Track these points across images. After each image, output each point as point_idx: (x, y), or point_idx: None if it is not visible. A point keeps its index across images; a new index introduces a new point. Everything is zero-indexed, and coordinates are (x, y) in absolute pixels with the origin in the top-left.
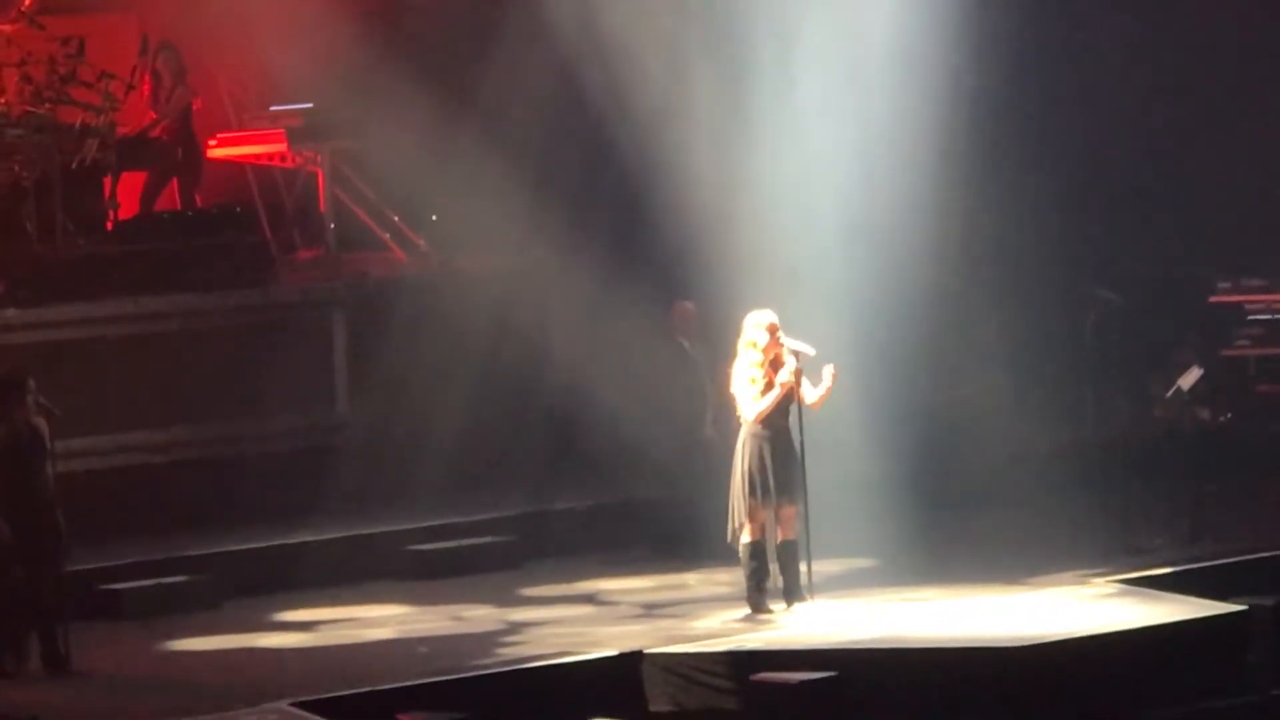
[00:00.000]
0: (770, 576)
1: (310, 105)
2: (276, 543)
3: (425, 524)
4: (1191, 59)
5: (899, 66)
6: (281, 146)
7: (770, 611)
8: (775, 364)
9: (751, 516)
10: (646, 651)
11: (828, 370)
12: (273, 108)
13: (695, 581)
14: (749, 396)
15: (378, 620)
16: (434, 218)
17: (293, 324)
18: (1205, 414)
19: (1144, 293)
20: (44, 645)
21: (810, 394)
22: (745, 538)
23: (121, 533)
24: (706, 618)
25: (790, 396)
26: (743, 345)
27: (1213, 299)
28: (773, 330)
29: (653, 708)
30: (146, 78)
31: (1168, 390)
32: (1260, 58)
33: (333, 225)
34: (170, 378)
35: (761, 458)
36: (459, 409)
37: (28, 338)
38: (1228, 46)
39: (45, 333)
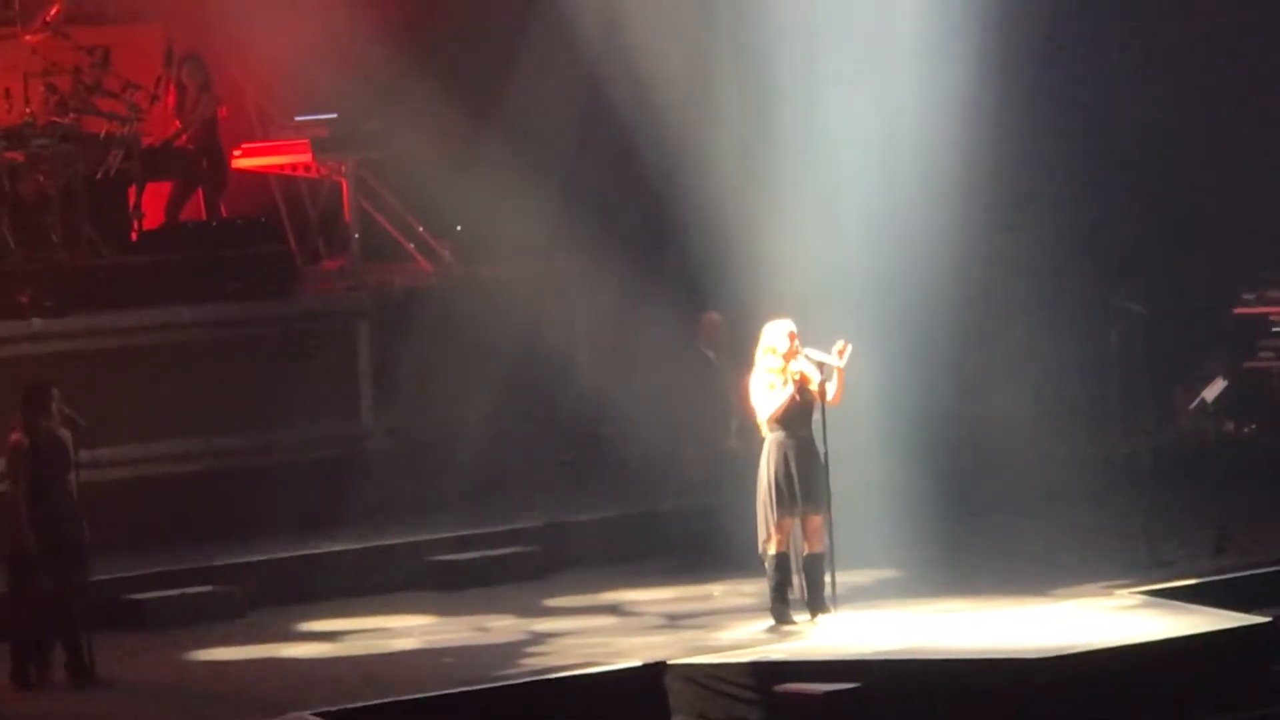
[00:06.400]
0: (795, 587)
1: (335, 115)
2: (300, 553)
3: (449, 534)
4: (1220, 68)
5: (924, 75)
6: (306, 157)
7: (794, 622)
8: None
9: (777, 527)
10: (670, 662)
11: (836, 348)
12: (298, 118)
13: (719, 592)
14: (766, 401)
15: (401, 631)
16: (459, 228)
17: (317, 334)
18: (1229, 425)
19: (1168, 304)
20: (68, 655)
21: (830, 388)
22: (771, 549)
23: (145, 543)
24: (730, 628)
25: (812, 403)
26: (761, 353)
27: (1237, 310)
28: (791, 338)
29: (676, 718)
30: (171, 88)
31: (1192, 401)
32: None
33: (357, 235)
34: (194, 388)
35: (787, 466)
36: (483, 419)
37: (53, 347)
38: (1256, 57)
39: (70, 342)
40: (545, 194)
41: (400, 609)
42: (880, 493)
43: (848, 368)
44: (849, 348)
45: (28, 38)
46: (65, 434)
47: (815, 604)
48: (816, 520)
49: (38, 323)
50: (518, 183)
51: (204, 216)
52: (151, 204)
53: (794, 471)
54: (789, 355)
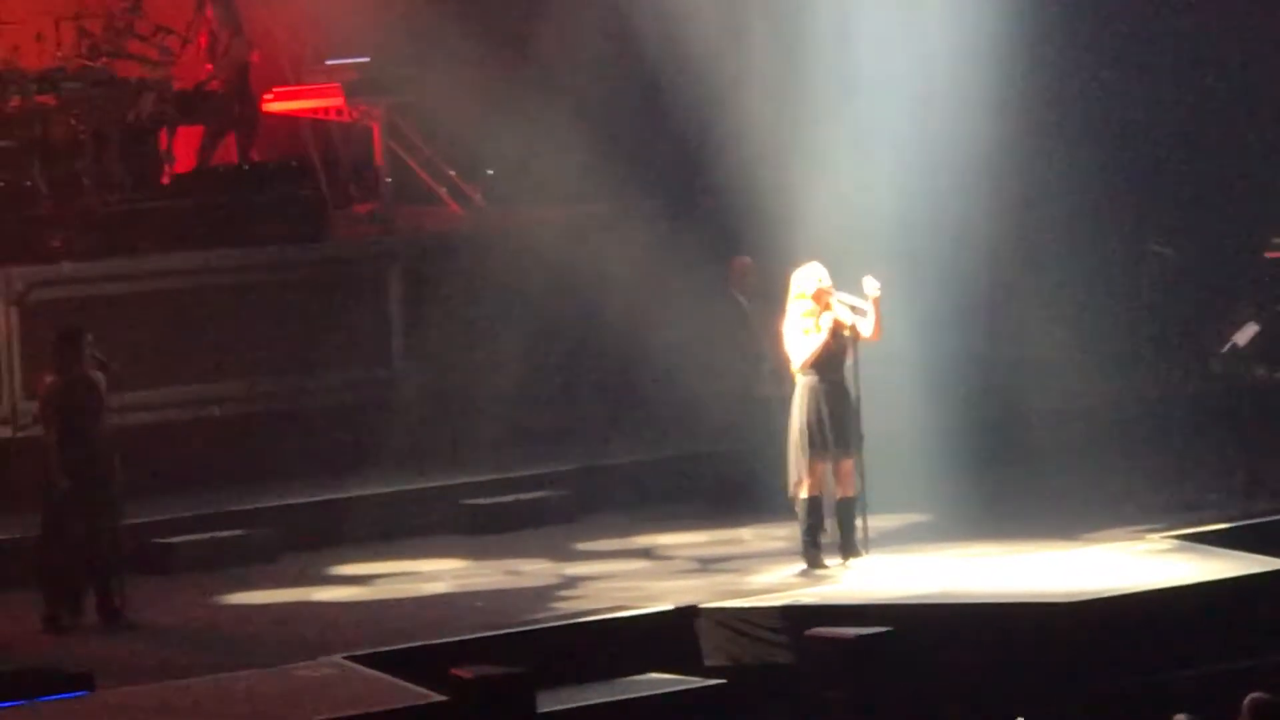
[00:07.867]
0: (826, 531)
1: (367, 59)
2: (331, 497)
3: (481, 478)
4: (1259, 16)
5: (957, 19)
6: (338, 101)
7: (826, 566)
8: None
9: (809, 471)
10: (702, 606)
11: (868, 282)
12: (329, 62)
13: (751, 536)
14: (800, 345)
15: (433, 574)
16: (490, 172)
17: (348, 278)
18: (1261, 370)
19: (1200, 249)
20: (99, 599)
21: (866, 326)
22: (803, 493)
23: (176, 486)
24: (762, 572)
25: (845, 347)
26: (792, 299)
27: (1269, 255)
28: (820, 281)
29: (708, 662)
30: (203, 32)
31: (1224, 346)
32: None
33: (389, 179)
34: (226, 332)
35: (819, 410)
36: (515, 363)
37: (84, 291)
38: None
39: (102, 286)
40: (577, 137)
41: (432, 553)
42: (912, 437)
43: (881, 299)
44: (872, 280)
45: None
46: (97, 377)
47: (847, 548)
48: (848, 464)
49: (69, 266)
50: (549, 126)
51: (235, 160)
52: (183, 148)
53: (826, 415)
54: (820, 299)
